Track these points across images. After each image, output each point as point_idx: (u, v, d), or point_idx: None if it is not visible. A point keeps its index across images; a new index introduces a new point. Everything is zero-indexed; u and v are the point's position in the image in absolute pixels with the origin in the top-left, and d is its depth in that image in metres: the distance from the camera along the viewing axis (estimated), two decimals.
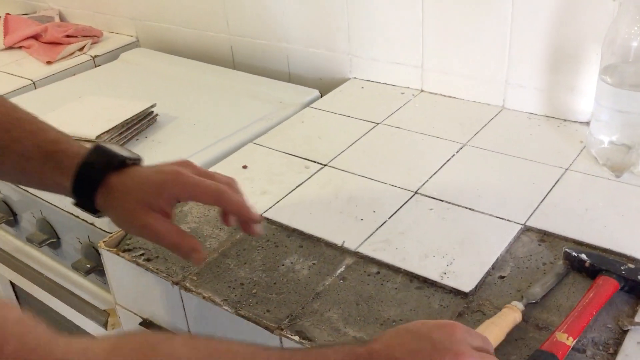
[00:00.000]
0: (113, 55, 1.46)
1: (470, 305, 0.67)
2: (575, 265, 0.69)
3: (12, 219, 1.11)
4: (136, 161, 0.65)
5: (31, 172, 0.60)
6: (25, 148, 0.59)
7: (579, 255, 0.69)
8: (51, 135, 0.62)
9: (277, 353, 0.51)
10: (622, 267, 0.66)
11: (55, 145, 0.60)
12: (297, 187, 0.89)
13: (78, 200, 0.62)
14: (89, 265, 0.95)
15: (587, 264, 0.68)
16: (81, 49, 1.46)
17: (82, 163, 0.59)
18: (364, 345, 0.51)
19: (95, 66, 1.43)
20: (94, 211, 0.62)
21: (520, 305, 0.63)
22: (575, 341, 0.59)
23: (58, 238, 1.03)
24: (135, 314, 0.85)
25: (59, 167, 0.59)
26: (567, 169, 0.87)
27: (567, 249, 0.70)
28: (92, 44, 1.48)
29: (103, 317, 0.93)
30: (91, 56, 1.44)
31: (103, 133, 1.01)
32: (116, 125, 1.03)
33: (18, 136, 0.60)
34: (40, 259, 1.11)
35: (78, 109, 1.12)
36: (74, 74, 1.38)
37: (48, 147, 0.60)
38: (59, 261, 1.07)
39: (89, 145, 0.62)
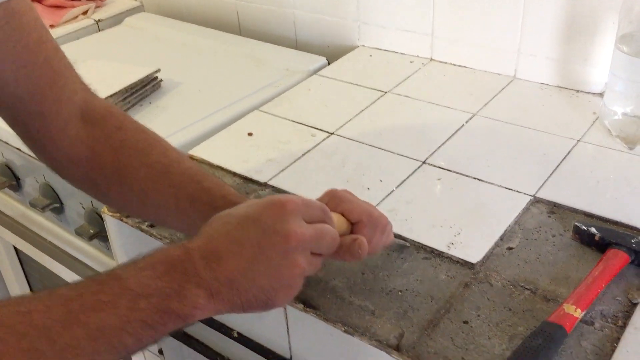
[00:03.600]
0: (117, 20, 1.43)
1: (477, 276, 0.66)
2: (585, 239, 0.68)
3: (16, 184, 1.10)
4: None
5: (186, 212, 0.62)
6: (213, 198, 0.61)
7: (589, 228, 0.67)
8: (232, 190, 0.64)
9: (68, 290, 0.43)
10: (632, 240, 0.65)
11: (236, 198, 0.62)
12: (303, 155, 0.87)
13: None
14: (92, 231, 0.95)
15: (597, 238, 0.67)
16: (85, 12, 1.43)
17: None
18: (180, 244, 0.46)
19: (99, 30, 1.41)
20: None
21: None
22: (583, 313, 0.58)
23: (61, 203, 1.02)
24: None
25: (212, 206, 0.60)
26: (578, 141, 0.85)
27: (576, 223, 0.69)
28: (95, 7, 1.46)
29: None
30: (95, 20, 1.42)
31: (106, 97, 0.99)
32: (120, 90, 1.01)
33: (208, 187, 0.62)
34: (43, 224, 1.10)
35: (81, 73, 1.09)
36: (77, 39, 1.35)
37: (232, 199, 0.61)
38: (62, 226, 1.07)
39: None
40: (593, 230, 0.67)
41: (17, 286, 1.34)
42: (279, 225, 0.47)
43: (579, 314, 0.58)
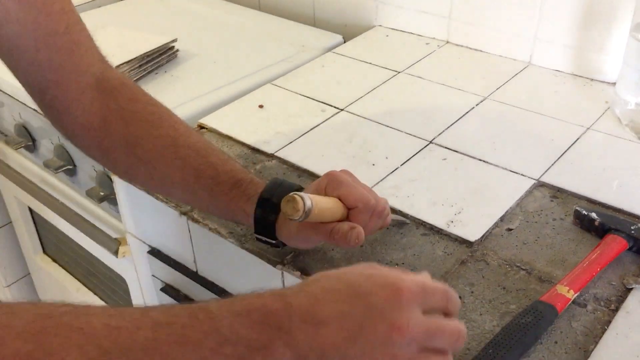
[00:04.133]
0: None
1: (474, 255, 0.66)
2: (585, 224, 0.68)
3: (32, 144, 1.12)
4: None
5: (219, 195, 0.63)
6: (218, 173, 0.63)
7: (589, 213, 0.68)
8: (238, 165, 0.65)
9: (160, 314, 0.42)
10: (631, 227, 0.65)
11: (242, 174, 0.63)
12: (311, 129, 0.88)
13: (258, 228, 0.62)
14: (102, 193, 0.97)
15: (597, 223, 0.67)
16: None
17: (263, 192, 0.61)
18: (280, 295, 0.43)
19: (119, 0, 1.42)
20: (273, 238, 0.63)
21: None
22: (576, 295, 0.59)
23: (74, 165, 1.04)
24: (144, 242, 0.87)
25: (246, 193, 0.62)
26: (588, 128, 0.85)
27: (577, 208, 0.69)
28: None
29: (114, 244, 0.95)
30: None
31: (122, 64, 1.00)
32: (136, 57, 1.03)
33: (213, 162, 0.63)
34: (56, 185, 1.12)
35: (100, 39, 1.11)
36: (98, 7, 1.37)
37: (237, 175, 0.63)
38: (74, 188, 1.09)
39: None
40: (593, 215, 0.67)
41: (31, 246, 1.37)
42: (389, 314, 0.42)
43: (571, 295, 0.58)
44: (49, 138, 1.07)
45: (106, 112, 0.65)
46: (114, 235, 0.98)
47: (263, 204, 0.61)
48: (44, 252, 1.37)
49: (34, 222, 1.32)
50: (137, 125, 0.65)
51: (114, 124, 0.65)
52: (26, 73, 0.63)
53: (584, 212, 0.68)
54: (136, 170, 0.66)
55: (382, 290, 0.43)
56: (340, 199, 0.60)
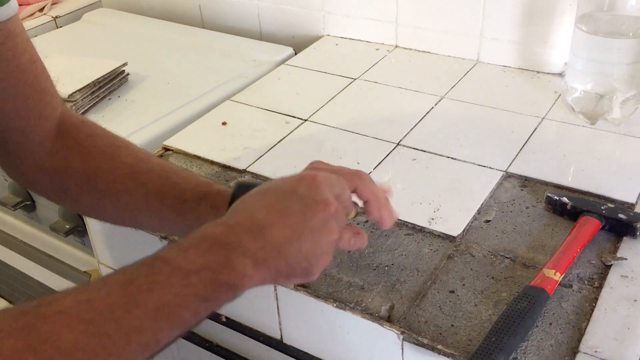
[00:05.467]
0: (75, 16, 1.41)
1: (459, 248, 0.68)
2: (557, 209, 0.72)
3: None
4: None
5: (187, 214, 0.62)
6: (182, 191, 0.62)
7: (561, 198, 0.71)
8: (201, 179, 0.65)
9: (121, 276, 0.44)
10: (602, 207, 0.69)
11: (206, 187, 0.62)
12: (279, 141, 0.89)
13: None
14: (67, 226, 0.93)
15: (569, 207, 0.70)
16: (41, 9, 1.40)
17: (231, 200, 0.60)
18: (217, 223, 0.48)
19: (57, 27, 1.39)
20: None
21: None
22: (562, 276, 0.61)
23: (32, 201, 1.01)
24: None
25: (214, 205, 0.61)
26: (543, 118, 0.89)
27: (549, 194, 0.72)
28: (52, 4, 1.43)
29: (85, 278, 0.92)
30: (52, 17, 1.39)
31: (75, 92, 0.98)
32: (88, 84, 1.00)
33: (176, 181, 0.63)
34: (13, 223, 1.08)
35: (48, 68, 1.08)
36: (35, 36, 1.33)
37: (202, 189, 0.62)
38: (33, 225, 1.05)
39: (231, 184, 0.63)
40: (565, 199, 0.71)
41: None
42: (318, 196, 0.50)
43: (558, 277, 0.61)
44: (2, 175, 1.02)
45: (66, 152, 0.65)
46: (82, 268, 0.95)
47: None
48: None
49: None
50: (96, 159, 0.65)
51: (74, 162, 0.64)
52: None
53: (556, 197, 0.71)
54: (101, 205, 0.66)
55: (303, 183, 0.51)
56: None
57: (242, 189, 0.60)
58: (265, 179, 0.81)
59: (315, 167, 0.60)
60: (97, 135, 0.67)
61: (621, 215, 0.67)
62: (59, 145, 0.65)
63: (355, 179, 0.58)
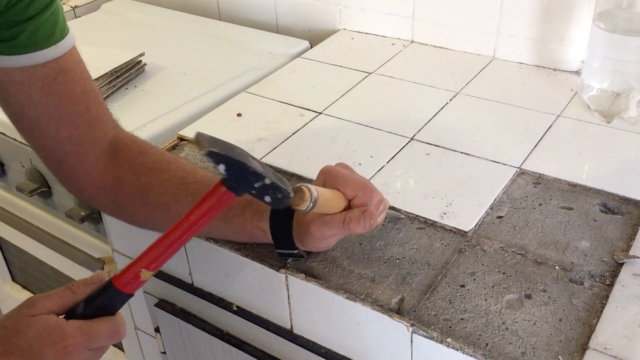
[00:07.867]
0: (94, 6, 1.42)
1: (470, 243, 0.68)
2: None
3: (0, 169, 1.09)
4: None
5: (233, 220, 0.65)
6: None
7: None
8: None
9: None
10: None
11: (250, 197, 0.64)
12: (293, 134, 0.89)
13: (277, 243, 0.65)
14: (83, 213, 0.95)
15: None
16: None
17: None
18: None
19: (76, 17, 1.40)
20: (293, 248, 0.65)
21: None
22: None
23: (49, 187, 1.02)
24: (133, 259, 0.85)
25: (258, 211, 0.64)
26: (558, 116, 0.89)
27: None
28: None
29: (98, 265, 0.93)
30: (71, 7, 1.40)
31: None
32: (105, 74, 1.01)
33: None
34: (29, 209, 1.09)
35: None
36: None
37: (246, 196, 0.62)
38: (49, 211, 1.06)
39: None
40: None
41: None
42: None
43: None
44: (19, 161, 1.04)
45: (119, 170, 0.69)
46: (96, 255, 0.96)
47: (276, 215, 0.63)
48: (13, 280, 1.33)
49: (1, 250, 1.27)
50: (147, 175, 0.69)
51: (126, 179, 0.69)
52: (46, 148, 0.68)
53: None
54: (153, 216, 0.70)
55: (51, 349, 0.52)
56: (340, 191, 0.61)
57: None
58: (279, 170, 0.81)
59: (327, 171, 0.63)
60: (148, 152, 0.71)
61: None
62: (112, 165, 0.69)
63: (359, 189, 0.61)
